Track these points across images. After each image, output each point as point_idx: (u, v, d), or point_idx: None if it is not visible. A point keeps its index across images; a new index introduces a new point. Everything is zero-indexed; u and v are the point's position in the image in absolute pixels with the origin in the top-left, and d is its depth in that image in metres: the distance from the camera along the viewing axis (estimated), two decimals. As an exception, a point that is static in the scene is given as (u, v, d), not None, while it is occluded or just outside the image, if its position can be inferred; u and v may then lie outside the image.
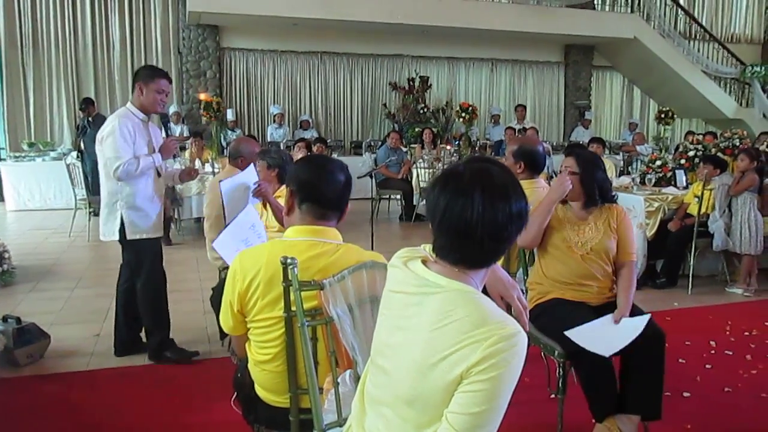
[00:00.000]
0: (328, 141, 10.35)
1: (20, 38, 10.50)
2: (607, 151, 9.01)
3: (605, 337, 2.62)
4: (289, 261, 1.70)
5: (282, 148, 9.79)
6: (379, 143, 10.82)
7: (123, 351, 3.75)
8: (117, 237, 3.49)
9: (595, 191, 2.90)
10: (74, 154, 8.87)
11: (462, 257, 1.33)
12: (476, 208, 1.27)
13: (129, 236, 3.50)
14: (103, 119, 9.02)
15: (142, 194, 3.52)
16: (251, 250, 1.98)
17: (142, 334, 3.78)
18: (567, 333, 2.60)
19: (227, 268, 3.77)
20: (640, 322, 2.65)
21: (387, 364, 1.40)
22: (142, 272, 3.60)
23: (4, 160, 9.82)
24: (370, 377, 1.48)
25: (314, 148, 8.19)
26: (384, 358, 1.41)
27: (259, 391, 2.00)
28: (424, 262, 1.40)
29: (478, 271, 1.36)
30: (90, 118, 8.61)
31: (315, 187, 1.92)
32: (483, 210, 1.27)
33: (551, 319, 2.75)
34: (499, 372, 1.20)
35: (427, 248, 1.48)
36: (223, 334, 3.58)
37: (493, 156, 9.62)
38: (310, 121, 11.82)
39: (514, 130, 10.78)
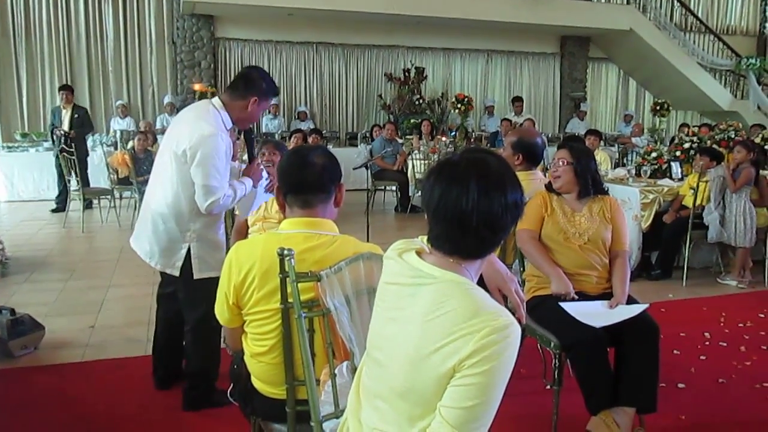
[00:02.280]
0: (323, 132, 10.33)
1: (13, 28, 10.42)
2: (602, 143, 9.02)
3: (598, 314, 2.67)
4: (285, 252, 1.69)
5: (278, 139, 9.78)
6: (368, 134, 10.83)
7: (166, 383, 3.22)
8: (178, 273, 2.83)
9: (588, 182, 2.95)
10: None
11: (457, 247, 1.32)
12: (471, 197, 1.26)
13: (197, 275, 2.82)
14: (85, 111, 8.68)
15: (218, 225, 2.89)
16: (246, 242, 1.97)
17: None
18: (561, 304, 2.68)
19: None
20: (636, 309, 2.69)
21: (381, 357, 1.39)
22: (200, 310, 2.84)
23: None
24: (366, 369, 1.48)
25: (309, 140, 8.19)
26: (378, 350, 1.41)
27: (256, 383, 1.99)
28: (419, 253, 1.39)
29: (472, 262, 1.35)
30: (63, 108, 8.40)
31: (291, 175, 1.92)
32: (478, 198, 1.26)
33: (548, 310, 2.75)
34: (491, 365, 1.19)
35: (423, 239, 1.47)
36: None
37: (489, 147, 9.61)
38: (307, 112, 11.77)
39: (510, 121, 10.77)
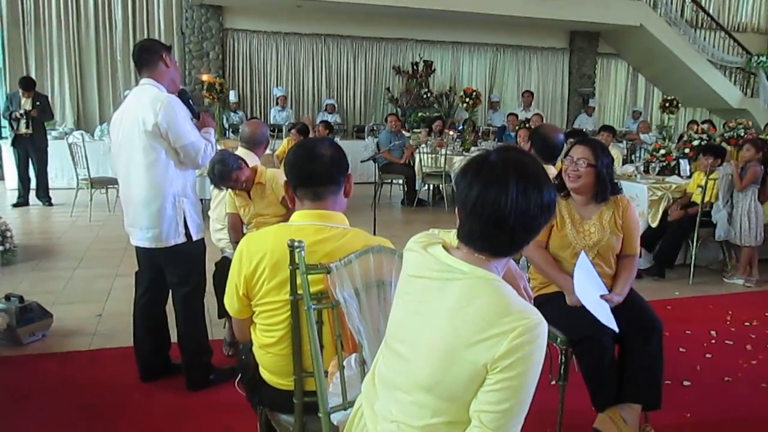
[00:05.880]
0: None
1: (22, 16, 10.42)
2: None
3: (592, 296, 2.56)
4: (296, 244, 1.69)
5: (285, 131, 9.80)
6: (375, 127, 10.82)
7: (152, 376, 3.23)
8: (185, 239, 2.98)
9: (608, 185, 2.77)
10: (76, 133, 8.81)
11: (489, 245, 1.33)
12: (510, 197, 1.26)
13: (195, 236, 3.00)
14: (45, 98, 8.52)
15: (192, 181, 3.07)
16: (257, 233, 1.97)
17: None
18: (576, 267, 2.53)
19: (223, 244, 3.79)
20: (610, 321, 2.51)
21: (404, 349, 1.39)
22: (191, 280, 3.08)
23: (6, 138, 9.79)
24: (384, 360, 1.48)
25: (318, 129, 8.21)
26: (400, 342, 1.41)
27: (264, 374, 2.00)
28: (445, 247, 1.39)
29: (500, 260, 1.37)
30: (24, 96, 8.02)
31: (300, 168, 1.92)
32: (516, 199, 1.27)
33: (555, 307, 2.74)
34: (525, 366, 1.22)
35: (442, 233, 1.49)
36: (222, 312, 3.56)
37: (496, 141, 9.61)
38: (335, 104, 11.69)
39: (516, 116, 10.74)
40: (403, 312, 1.43)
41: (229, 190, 3.53)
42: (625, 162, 8.77)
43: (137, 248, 3.10)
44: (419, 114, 11.53)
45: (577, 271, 2.55)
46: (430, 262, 1.37)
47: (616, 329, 2.48)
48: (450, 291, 1.31)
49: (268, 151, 4.56)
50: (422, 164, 8.58)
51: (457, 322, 1.27)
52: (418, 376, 1.33)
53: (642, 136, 10.57)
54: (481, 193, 1.29)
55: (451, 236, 1.48)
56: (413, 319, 1.38)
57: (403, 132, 9.51)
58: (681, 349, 3.77)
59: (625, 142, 10.84)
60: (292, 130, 7.78)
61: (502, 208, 1.27)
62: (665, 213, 5.47)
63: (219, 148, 7.07)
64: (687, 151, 6.25)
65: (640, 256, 5.36)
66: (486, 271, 1.32)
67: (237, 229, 3.55)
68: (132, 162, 2.89)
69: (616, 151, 7.62)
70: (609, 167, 2.78)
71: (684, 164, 6.02)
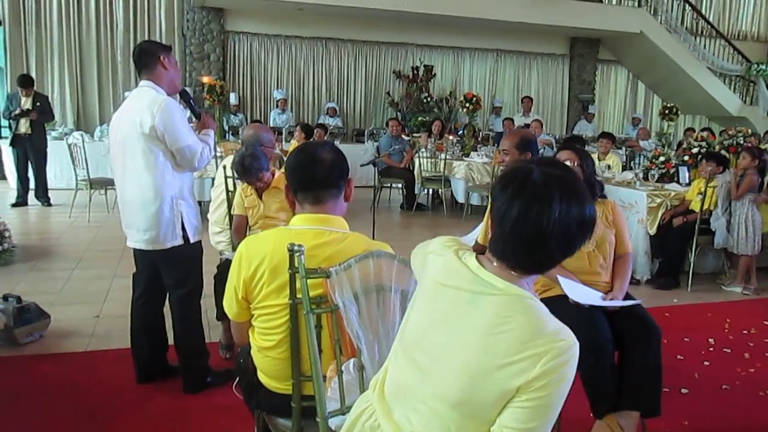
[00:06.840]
0: (329, 128, 10.29)
1: (23, 16, 10.42)
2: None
3: (588, 296, 2.65)
4: (296, 248, 1.69)
5: (284, 134, 9.79)
6: (375, 131, 10.83)
7: (148, 378, 3.23)
8: (182, 241, 2.97)
9: (595, 185, 2.95)
10: (76, 134, 8.80)
11: (524, 262, 1.31)
12: (553, 218, 1.23)
13: (193, 239, 3.01)
14: (46, 99, 8.50)
15: (190, 184, 3.07)
16: (257, 237, 1.97)
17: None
18: (558, 277, 2.63)
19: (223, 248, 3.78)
20: (627, 302, 2.65)
21: (426, 360, 1.35)
22: (188, 282, 3.08)
23: (6, 138, 9.78)
24: (398, 367, 1.44)
25: (318, 132, 8.21)
26: (422, 352, 1.37)
27: (262, 377, 1.99)
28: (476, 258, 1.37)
29: (532, 276, 1.34)
30: (24, 96, 7.94)
31: (301, 173, 1.92)
32: (558, 220, 1.23)
33: (555, 312, 2.72)
34: (556, 388, 1.21)
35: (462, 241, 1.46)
36: (220, 314, 3.55)
37: (495, 146, 9.61)
38: (337, 108, 11.69)
39: (512, 120, 10.75)
40: (427, 321, 1.38)
41: (239, 190, 3.53)
42: (624, 169, 8.78)
43: (134, 250, 3.10)
44: (419, 118, 11.55)
45: (563, 285, 2.62)
46: (462, 271, 1.34)
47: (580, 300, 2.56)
48: (483, 307, 1.28)
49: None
50: (422, 168, 8.59)
51: (491, 342, 1.24)
52: (444, 391, 1.30)
53: (641, 143, 10.58)
54: (522, 213, 1.25)
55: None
56: (439, 330, 1.34)
57: (404, 136, 9.53)
58: (679, 357, 3.77)
59: (624, 148, 10.85)
60: (297, 129, 7.80)
61: (543, 229, 1.23)
62: (663, 220, 5.46)
63: (219, 150, 7.09)
64: (686, 158, 6.26)
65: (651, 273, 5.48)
66: (520, 289, 1.29)
67: (242, 231, 3.53)
68: (129, 164, 2.89)
69: (616, 158, 7.62)
70: (591, 168, 2.98)
71: (683, 172, 6.03)
